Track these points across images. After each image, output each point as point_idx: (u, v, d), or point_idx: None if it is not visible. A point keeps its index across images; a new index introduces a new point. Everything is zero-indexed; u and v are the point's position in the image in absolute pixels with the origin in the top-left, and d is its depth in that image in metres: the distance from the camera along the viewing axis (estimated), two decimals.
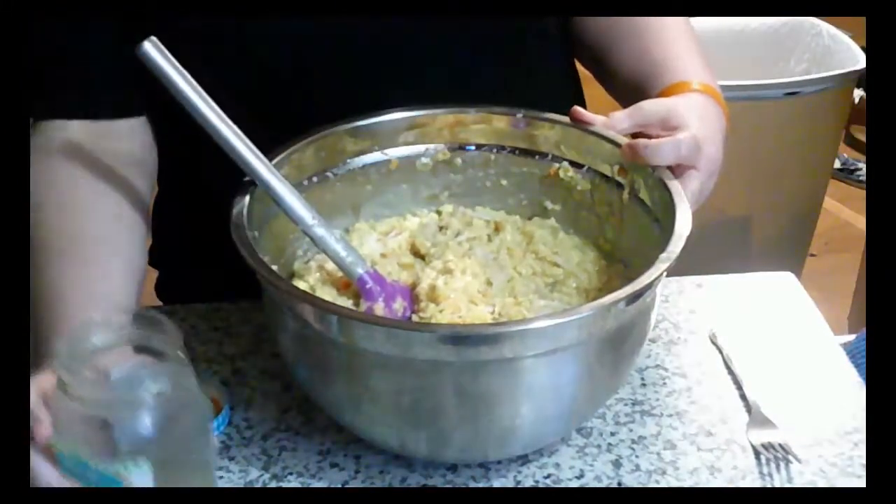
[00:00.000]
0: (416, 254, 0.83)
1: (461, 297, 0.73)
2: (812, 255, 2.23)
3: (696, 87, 0.84)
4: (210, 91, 0.70)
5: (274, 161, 0.75)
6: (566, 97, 0.84)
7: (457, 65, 0.89)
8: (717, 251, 1.62)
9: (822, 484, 0.72)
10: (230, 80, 0.79)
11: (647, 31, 0.91)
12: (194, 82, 0.69)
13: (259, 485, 0.72)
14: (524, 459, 0.74)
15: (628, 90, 0.89)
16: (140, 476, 0.59)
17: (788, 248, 2.06)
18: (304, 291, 0.71)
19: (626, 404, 0.80)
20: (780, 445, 0.75)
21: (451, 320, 0.71)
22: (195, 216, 0.92)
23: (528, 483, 0.73)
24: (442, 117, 0.85)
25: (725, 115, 0.85)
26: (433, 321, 0.72)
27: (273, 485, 0.72)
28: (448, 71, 0.89)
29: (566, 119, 0.83)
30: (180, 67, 0.69)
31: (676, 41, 0.90)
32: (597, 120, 0.82)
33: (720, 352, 0.86)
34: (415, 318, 0.74)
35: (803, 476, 0.73)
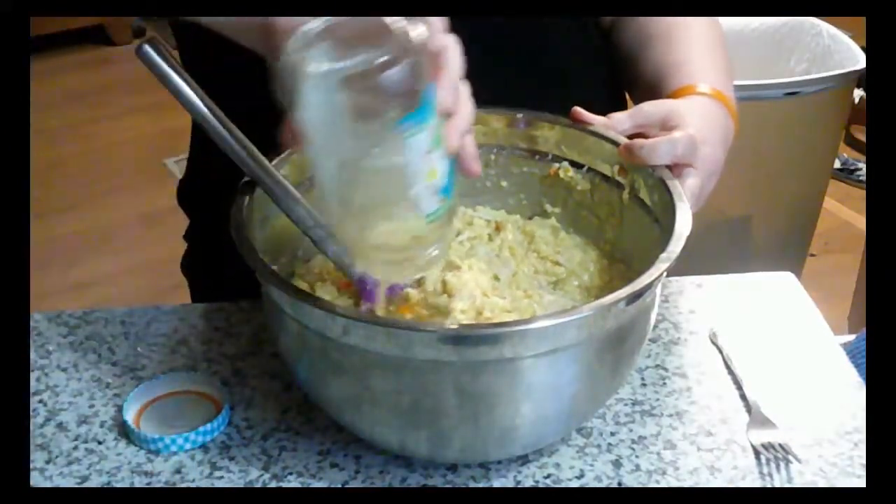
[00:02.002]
0: None
1: (474, 288, 0.73)
2: (812, 255, 2.23)
3: (703, 91, 0.84)
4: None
5: (274, 161, 0.75)
6: (579, 103, 0.84)
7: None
8: (717, 251, 1.62)
9: (822, 484, 0.72)
10: (230, 80, 0.78)
11: (667, 35, 0.91)
12: (194, 83, 0.69)
13: (259, 485, 0.72)
14: (524, 459, 0.74)
15: (647, 95, 0.89)
16: None
17: (788, 248, 2.06)
18: (304, 291, 0.71)
19: (626, 404, 0.80)
20: (780, 445, 0.75)
21: (466, 309, 0.71)
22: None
23: (528, 483, 0.72)
24: None
25: (734, 119, 0.85)
26: (450, 310, 0.71)
27: (273, 485, 0.72)
28: None
29: (566, 119, 0.83)
30: (180, 68, 0.69)
31: (693, 44, 0.90)
32: (597, 120, 0.82)
33: (720, 352, 0.86)
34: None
35: (803, 476, 0.73)
